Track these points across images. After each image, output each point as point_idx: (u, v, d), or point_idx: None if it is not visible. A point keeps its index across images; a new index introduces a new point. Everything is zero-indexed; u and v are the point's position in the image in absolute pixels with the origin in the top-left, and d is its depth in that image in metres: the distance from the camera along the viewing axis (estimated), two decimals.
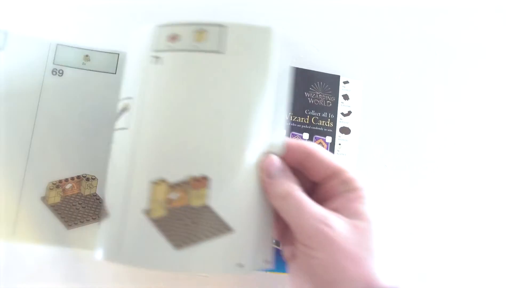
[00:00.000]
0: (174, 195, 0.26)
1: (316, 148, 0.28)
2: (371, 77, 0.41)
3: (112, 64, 0.36)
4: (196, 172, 0.26)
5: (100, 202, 0.33)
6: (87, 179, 0.33)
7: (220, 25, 0.28)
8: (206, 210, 0.26)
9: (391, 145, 0.41)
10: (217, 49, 0.28)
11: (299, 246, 0.26)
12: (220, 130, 0.27)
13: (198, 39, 0.28)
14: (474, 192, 0.40)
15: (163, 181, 0.27)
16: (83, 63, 0.35)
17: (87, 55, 0.36)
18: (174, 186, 0.26)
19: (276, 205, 0.27)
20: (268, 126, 0.28)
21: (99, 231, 0.29)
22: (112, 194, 0.28)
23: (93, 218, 0.33)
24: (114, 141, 0.29)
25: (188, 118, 0.27)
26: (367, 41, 0.41)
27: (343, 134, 0.41)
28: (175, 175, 0.26)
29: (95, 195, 0.33)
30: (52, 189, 0.33)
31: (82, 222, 0.33)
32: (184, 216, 0.26)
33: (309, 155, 0.28)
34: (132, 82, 0.29)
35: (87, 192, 0.33)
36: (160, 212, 0.26)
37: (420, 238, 0.40)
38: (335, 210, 0.26)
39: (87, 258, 0.27)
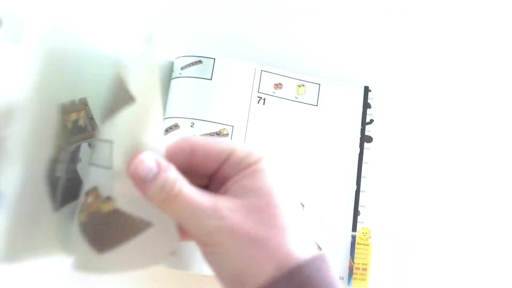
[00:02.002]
0: None
1: (200, 139, 0.24)
2: (393, 85, 0.41)
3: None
4: None
5: None
6: None
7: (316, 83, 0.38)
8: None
9: (412, 152, 0.40)
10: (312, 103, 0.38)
11: (199, 245, 0.23)
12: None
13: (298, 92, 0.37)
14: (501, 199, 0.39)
15: None
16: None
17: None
18: None
19: (163, 210, 0.22)
20: None
21: None
22: None
23: None
24: None
25: None
26: (390, 50, 0.41)
27: (365, 143, 0.41)
28: None
29: None
30: None
31: None
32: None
33: (193, 149, 0.24)
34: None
35: None
36: None
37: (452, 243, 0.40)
38: (228, 193, 0.23)
39: None
